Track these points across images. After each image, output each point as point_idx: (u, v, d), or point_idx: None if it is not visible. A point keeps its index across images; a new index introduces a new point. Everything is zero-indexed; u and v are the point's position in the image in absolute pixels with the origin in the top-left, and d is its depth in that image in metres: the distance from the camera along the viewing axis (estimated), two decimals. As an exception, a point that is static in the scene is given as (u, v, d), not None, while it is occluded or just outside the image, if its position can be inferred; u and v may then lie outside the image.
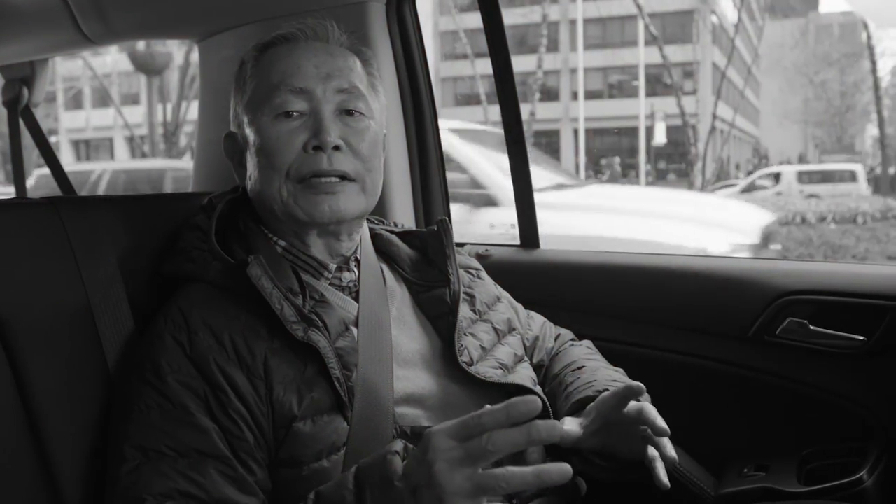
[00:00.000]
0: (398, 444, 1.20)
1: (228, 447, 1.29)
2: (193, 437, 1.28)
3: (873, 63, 22.26)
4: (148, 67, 19.91)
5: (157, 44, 18.87)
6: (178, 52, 23.44)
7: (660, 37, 20.54)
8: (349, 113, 1.50)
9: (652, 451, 1.46)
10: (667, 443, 1.44)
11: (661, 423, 1.41)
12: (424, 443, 1.13)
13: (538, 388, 1.60)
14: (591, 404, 1.51)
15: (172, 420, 1.29)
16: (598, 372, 1.65)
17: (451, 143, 5.76)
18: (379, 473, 1.16)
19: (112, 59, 30.90)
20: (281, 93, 1.47)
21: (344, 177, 1.47)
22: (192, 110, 24.34)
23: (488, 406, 1.10)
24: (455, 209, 2.58)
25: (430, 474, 1.09)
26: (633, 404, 1.45)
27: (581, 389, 1.60)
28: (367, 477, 1.18)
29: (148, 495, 1.24)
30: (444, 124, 2.53)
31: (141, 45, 18.97)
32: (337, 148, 1.46)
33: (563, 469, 1.06)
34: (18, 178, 2.79)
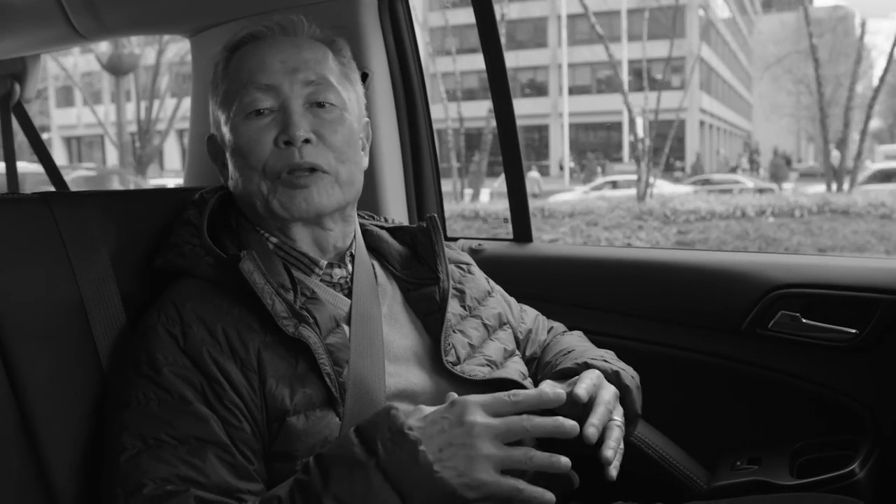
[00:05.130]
0: (395, 403, 1.24)
1: (227, 436, 1.29)
2: (193, 424, 1.28)
3: (808, 60, 22.43)
4: (115, 68, 20.00)
5: (125, 45, 18.92)
6: (151, 52, 23.67)
7: (605, 36, 20.62)
8: (320, 105, 1.49)
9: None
10: (614, 433, 1.42)
11: (580, 390, 1.41)
12: (458, 409, 1.21)
13: (527, 382, 1.59)
14: (576, 377, 1.51)
15: (171, 409, 1.29)
16: (586, 353, 1.64)
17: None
18: (387, 426, 1.19)
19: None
20: (249, 91, 1.47)
21: (315, 169, 1.46)
22: (166, 109, 24.83)
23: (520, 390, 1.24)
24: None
25: (470, 435, 1.18)
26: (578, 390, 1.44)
27: (564, 363, 1.61)
28: (374, 430, 1.20)
29: (148, 480, 1.24)
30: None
31: (107, 46, 18.99)
32: (307, 141, 1.45)
33: (565, 462, 1.20)
34: (11, 173, 2.78)
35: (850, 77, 22.77)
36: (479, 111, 22.44)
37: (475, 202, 19.32)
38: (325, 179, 1.47)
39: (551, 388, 1.21)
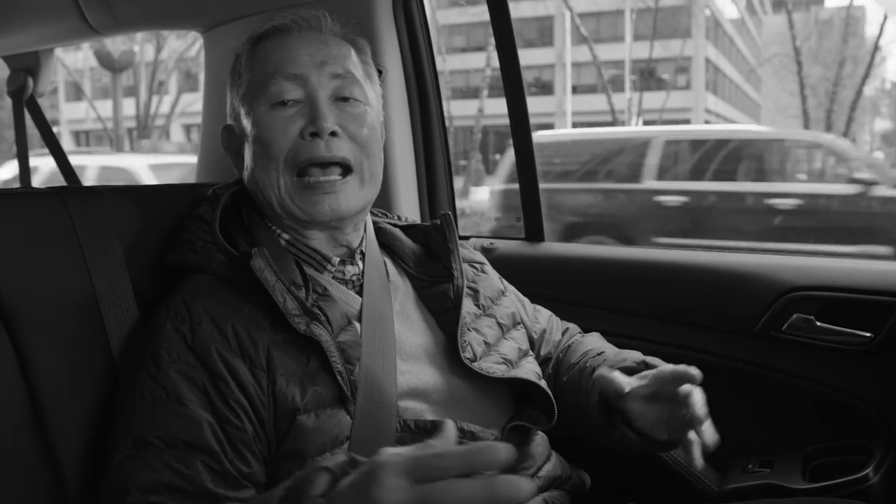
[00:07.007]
0: (333, 461, 1.09)
1: (225, 437, 1.28)
2: (183, 427, 1.27)
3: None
4: (112, 65, 20.07)
5: (124, 41, 19.02)
6: (149, 49, 23.92)
7: (589, 37, 20.74)
8: (345, 99, 1.49)
9: (692, 434, 1.39)
10: (707, 428, 1.37)
11: (699, 411, 1.34)
12: (371, 474, 0.99)
13: (542, 383, 1.59)
14: (650, 371, 1.49)
15: (164, 410, 1.29)
16: (621, 353, 1.64)
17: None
18: (297, 492, 1.08)
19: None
20: (276, 81, 1.46)
21: (343, 165, 1.46)
22: (163, 105, 25.32)
23: (442, 441, 1.00)
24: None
25: None
26: (686, 386, 1.40)
27: (618, 363, 1.59)
28: (289, 494, 1.10)
29: (134, 488, 1.23)
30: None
31: (107, 42, 19.10)
32: (334, 134, 1.45)
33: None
34: (24, 167, 2.79)
35: (856, 79, 22.79)
36: (468, 110, 22.54)
37: (463, 200, 19.48)
38: (352, 182, 1.48)
39: (487, 452, 0.94)
